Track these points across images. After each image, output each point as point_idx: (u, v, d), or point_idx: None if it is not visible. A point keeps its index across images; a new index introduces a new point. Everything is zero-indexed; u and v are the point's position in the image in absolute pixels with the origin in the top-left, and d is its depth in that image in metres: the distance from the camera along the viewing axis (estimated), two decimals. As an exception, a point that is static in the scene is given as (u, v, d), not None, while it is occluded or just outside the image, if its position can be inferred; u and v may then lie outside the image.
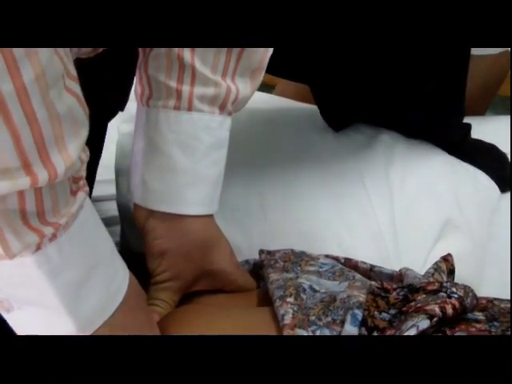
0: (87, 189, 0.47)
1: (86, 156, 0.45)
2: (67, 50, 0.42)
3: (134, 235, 0.81)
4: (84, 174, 0.46)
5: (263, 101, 1.00)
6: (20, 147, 0.37)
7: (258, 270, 0.72)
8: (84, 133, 0.44)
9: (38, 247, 0.43)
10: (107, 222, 0.92)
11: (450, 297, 0.53)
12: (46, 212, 0.42)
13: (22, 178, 0.38)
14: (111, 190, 0.90)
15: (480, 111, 1.21)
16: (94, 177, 0.73)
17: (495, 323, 0.55)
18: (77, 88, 0.43)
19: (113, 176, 0.87)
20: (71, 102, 0.42)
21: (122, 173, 0.87)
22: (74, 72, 0.43)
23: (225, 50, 0.61)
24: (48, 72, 0.38)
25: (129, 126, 0.72)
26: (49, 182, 0.40)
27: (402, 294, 0.56)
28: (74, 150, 0.42)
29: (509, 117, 1.03)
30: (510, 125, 0.93)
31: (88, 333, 0.48)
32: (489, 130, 1.02)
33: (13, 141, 0.37)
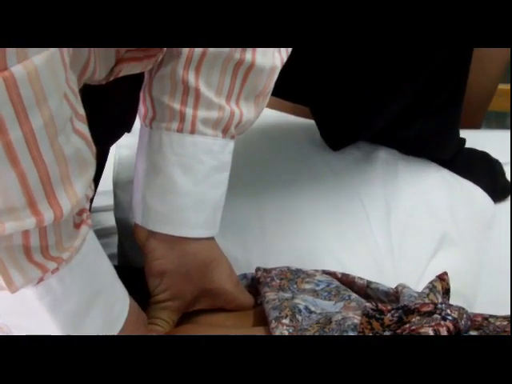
0: (90, 222, 0.47)
1: (91, 191, 0.45)
2: (76, 87, 0.42)
3: (132, 249, 0.82)
4: (88, 206, 0.46)
5: (263, 115, 1.01)
6: (26, 187, 0.38)
7: (256, 284, 0.72)
8: (91, 171, 0.44)
9: (40, 280, 0.43)
10: (104, 232, 0.94)
11: (444, 319, 0.53)
12: (49, 247, 0.42)
13: (28, 219, 0.39)
14: (108, 201, 0.90)
15: (475, 123, 1.22)
16: (94, 194, 0.73)
17: (490, 343, 0.55)
18: (84, 128, 0.43)
19: (110, 187, 0.88)
20: (79, 143, 0.42)
21: (120, 186, 0.87)
22: (82, 111, 0.43)
23: (230, 73, 0.61)
24: (57, 118, 0.38)
25: (127, 138, 0.72)
26: (54, 222, 0.40)
27: (396, 315, 0.56)
28: (80, 188, 0.42)
29: (502, 131, 1.04)
30: (510, 138, 0.94)
31: None
32: (483, 144, 1.03)
33: (19, 182, 0.37)
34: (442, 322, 0.52)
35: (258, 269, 0.72)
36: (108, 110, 0.60)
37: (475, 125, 1.22)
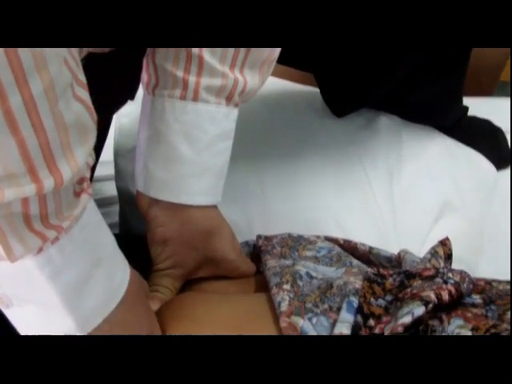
0: (91, 191, 0.46)
1: (92, 160, 0.44)
2: (76, 54, 0.42)
3: (134, 218, 0.82)
4: (88, 175, 0.46)
5: (266, 82, 1.00)
6: (26, 154, 0.37)
7: (257, 252, 0.72)
8: (91, 139, 0.43)
9: (40, 249, 0.43)
10: (105, 202, 0.94)
11: (445, 282, 0.53)
12: (49, 215, 0.42)
13: (28, 186, 0.38)
14: (109, 170, 0.90)
15: (487, 92, 1.21)
16: (96, 164, 0.73)
17: (492, 307, 0.54)
18: (85, 95, 0.42)
19: (111, 157, 0.88)
20: (79, 109, 0.41)
21: (121, 154, 0.87)
22: (82, 78, 0.43)
23: None
24: (57, 83, 0.38)
25: (127, 106, 0.72)
26: (54, 189, 0.40)
27: (398, 280, 0.56)
28: (80, 156, 0.41)
29: (506, 98, 1.03)
30: (510, 107, 0.93)
31: (88, 330, 0.48)
32: (487, 111, 1.02)
33: (19, 148, 0.37)
34: (444, 286, 0.52)
35: (258, 237, 0.72)
36: (111, 78, 0.60)
37: (487, 94, 1.22)
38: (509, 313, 0.51)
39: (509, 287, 0.59)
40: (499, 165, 0.96)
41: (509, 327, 0.48)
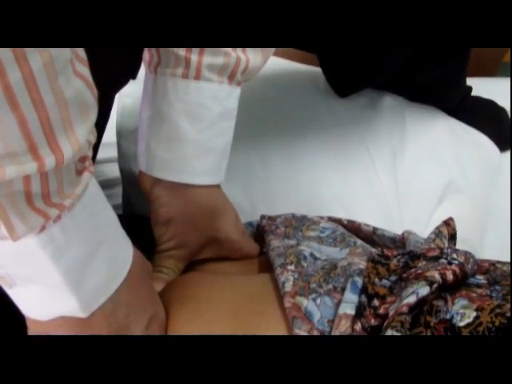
0: (92, 169, 0.46)
1: (93, 138, 0.44)
2: None
3: (137, 198, 0.82)
4: (90, 153, 0.45)
5: (268, 63, 1.00)
6: (26, 131, 0.37)
7: (261, 232, 0.72)
8: (93, 116, 0.43)
9: (42, 228, 0.42)
10: (108, 183, 0.94)
11: (450, 263, 0.53)
12: (51, 193, 0.42)
13: (29, 163, 0.38)
14: (112, 152, 0.90)
15: (491, 73, 1.21)
16: (99, 144, 0.73)
17: (496, 287, 0.54)
18: (86, 71, 0.42)
19: (114, 139, 0.88)
20: (80, 85, 0.41)
21: (123, 135, 0.87)
22: (83, 54, 0.42)
23: None
24: (57, 59, 0.37)
25: (130, 86, 0.71)
26: (56, 167, 0.40)
27: (402, 260, 0.56)
28: (81, 133, 0.41)
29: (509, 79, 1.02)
30: (510, 87, 0.93)
31: (91, 310, 0.48)
32: (491, 92, 1.02)
33: (19, 125, 0.37)
34: (448, 266, 0.52)
35: (262, 217, 0.72)
36: (112, 55, 0.59)
37: (490, 75, 1.21)
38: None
39: (512, 267, 0.59)
40: (503, 145, 0.96)
41: None
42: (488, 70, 1.21)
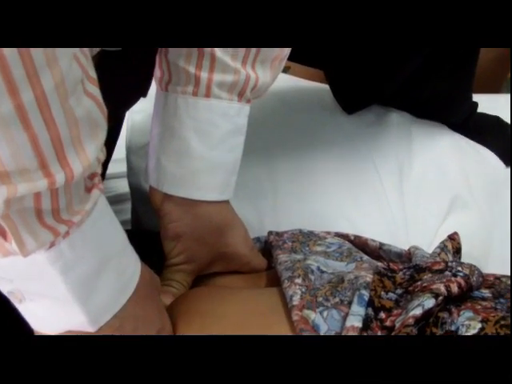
0: (102, 186, 0.47)
1: (103, 155, 0.45)
2: (87, 51, 0.42)
3: (146, 213, 0.82)
4: (100, 171, 0.46)
5: (277, 80, 1.01)
6: (38, 149, 0.38)
7: (269, 247, 0.72)
8: (102, 134, 0.44)
9: (52, 244, 0.43)
10: (118, 199, 0.95)
11: (455, 275, 0.54)
12: (60, 210, 0.42)
13: (40, 180, 0.39)
14: (122, 167, 0.91)
15: (494, 89, 1.21)
16: (109, 161, 0.74)
17: (501, 300, 0.55)
18: (96, 91, 0.43)
19: (123, 155, 0.88)
20: (90, 105, 0.42)
21: (133, 151, 0.88)
22: (93, 74, 0.43)
23: None
24: (68, 79, 0.38)
25: (140, 103, 0.72)
26: (66, 183, 0.40)
27: (408, 273, 0.56)
28: (91, 151, 0.42)
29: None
30: (510, 103, 0.94)
31: (99, 324, 0.48)
32: (496, 108, 1.02)
33: (31, 144, 0.37)
34: (453, 279, 0.53)
35: (270, 232, 0.72)
36: (124, 75, 0.60)
37: (494, 90, 1.22)
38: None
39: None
40: (508, 160, 0.96)
41: None
42: (493, 87, 1.22)
